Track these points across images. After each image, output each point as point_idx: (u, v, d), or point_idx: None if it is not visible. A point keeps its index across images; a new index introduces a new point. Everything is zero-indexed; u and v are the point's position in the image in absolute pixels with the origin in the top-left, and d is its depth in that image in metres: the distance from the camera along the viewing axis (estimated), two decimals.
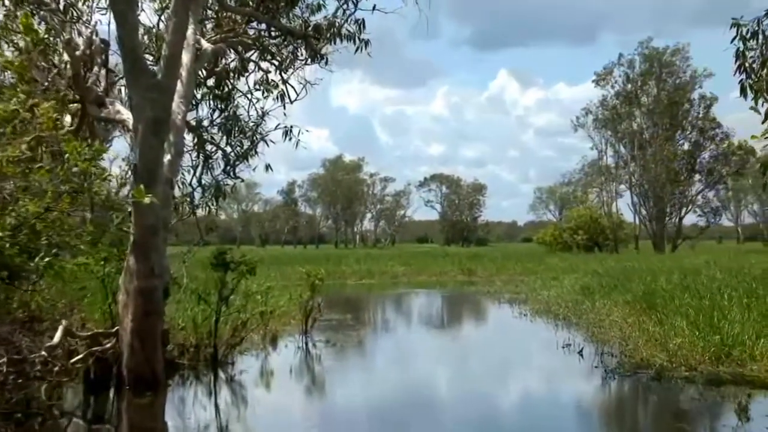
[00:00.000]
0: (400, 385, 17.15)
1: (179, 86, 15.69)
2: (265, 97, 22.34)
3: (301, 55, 21.64)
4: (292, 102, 22.09)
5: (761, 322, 17.56)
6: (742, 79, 13.99)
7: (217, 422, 13.78)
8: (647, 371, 15.66)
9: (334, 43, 20.71)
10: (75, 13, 18.76)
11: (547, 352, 19.70)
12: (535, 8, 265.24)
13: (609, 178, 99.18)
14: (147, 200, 10.95)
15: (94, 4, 19.45)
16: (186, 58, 16.14)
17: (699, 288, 24.49)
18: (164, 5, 19.90)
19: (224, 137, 22.16)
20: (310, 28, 20.65)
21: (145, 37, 20.27)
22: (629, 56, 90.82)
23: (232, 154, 22.16)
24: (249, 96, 22.40)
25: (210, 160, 22.11)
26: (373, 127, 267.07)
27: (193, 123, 21.44)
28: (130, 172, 16.20)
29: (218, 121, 22.19)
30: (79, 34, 18.20)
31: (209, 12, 20.99)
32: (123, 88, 19.06)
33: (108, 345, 14.81)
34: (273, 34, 21.53)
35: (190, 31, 16.20)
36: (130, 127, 15.32)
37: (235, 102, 22.30)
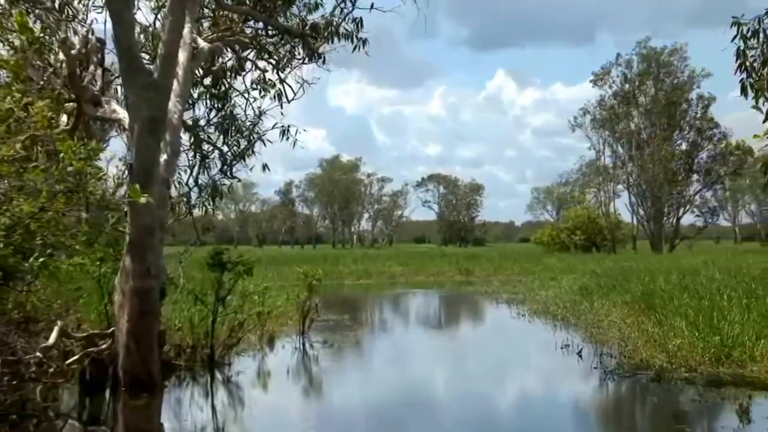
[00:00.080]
0: (398, 385, 17.07)
1: (176, 85, 15.62)
2: (262, 97, 22.23)
3: (299, 54, 21.55)
4: (289, 101, 22.01)
5: (761, 323, 17.47)
6: (742, 78, 13.89)
7: (214, 424, 13.68)
8: (647, 372, 15.59)
9: (332, 42, 20.62)
10: (71, 12, 18.67)
11: (546, 353, 19.64)
12: (532, 8, 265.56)
13: (607, 178, 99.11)
14: (143, 200, 10.83)
15: (90, 3, 19.34)
16: (182, 56, 16.04)
17: (698, 288, 24.44)
18: (160, 4, 19.82)
19: (221, 137, 22.03)
20: (307, 27, 20.58)
21: (142, 36, 20.12)
22: (627, 56, 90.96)
23: (229, 153, 22.02)
24: (246, 95, 22.29)
25: (207, 160, 21.99)
26: (370, 127, 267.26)
27: (190, 122, 21.33)
28: (126, 172, 16.08)
29: (215, 120, 22.04)
30: (75, 32, 18.13)
31: (206, 10, 20.92)
32: (119, 87, 18.94)
33: (104, 346, 14.72)
34: (270, 32, 21.44)
35: (186, 30, 16.10)
36: (126, 126, 15.26)
37: (232, 101, 22.16)
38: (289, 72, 21.93)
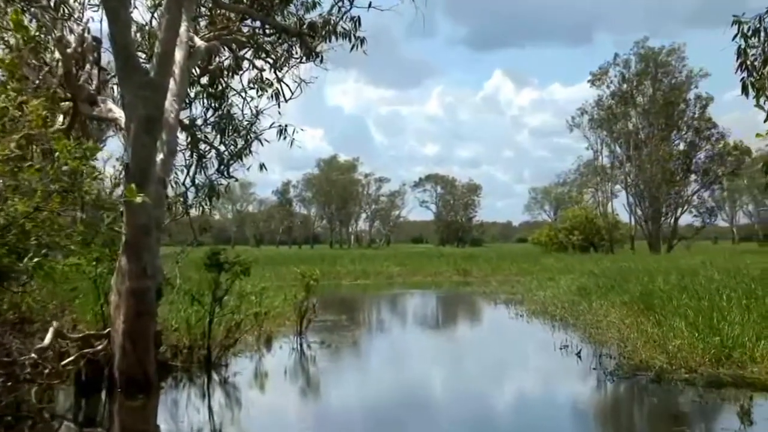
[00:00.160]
0: (396, 386, 17.00)
1: (172, 84, 15.56)
2: (259, 96, 22.16)
3: (296, 53, 21.50)
4: (286, 101, 21.93)
5: (761, 324, 17.37)
6: (743, 77, 13.85)
7: (211, 425, 13.62)
8: (647, 373, 15.50)
9: (330, 41, 20.57)
10: (66, 10, 18.56)
11: (545, 354, 19.56)
12: (530, 8, 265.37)
13: (604, 178, 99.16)
14: (139, 199, 10.74)
15: (86, 1, 19.23)
16: (179, 55, 15.98)
17: (697, 289, 24.35)
18: (157, 2, 19.73)
19: (218, 136, 21.95)
20: (305, 26, 20.51)
21: (138, 35, 20.07)
22: (625, 56, 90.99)
23: (226, 153, 21.93)
24: (243, 94, 22.24)
25: (203, 160, 21.90)
26: (367, 127, 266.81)
27: (187, 122, 21.25)
28: (123, 172, 15.98)
29: (212, 119, 21.99)
30: (71, 31, 17.99)
31: (203, 9, 20.84)
32: (115, 87, 18.83)
33: (99, 347, 14.63)
34: (267, 31, 21.38)
35: (183, 29, 16.04)
36: (123, 125, 15.15)
37: (229, 100, 22.10)
38: (287, 71, 21.90)
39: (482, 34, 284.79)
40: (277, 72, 21.83)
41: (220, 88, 21.72)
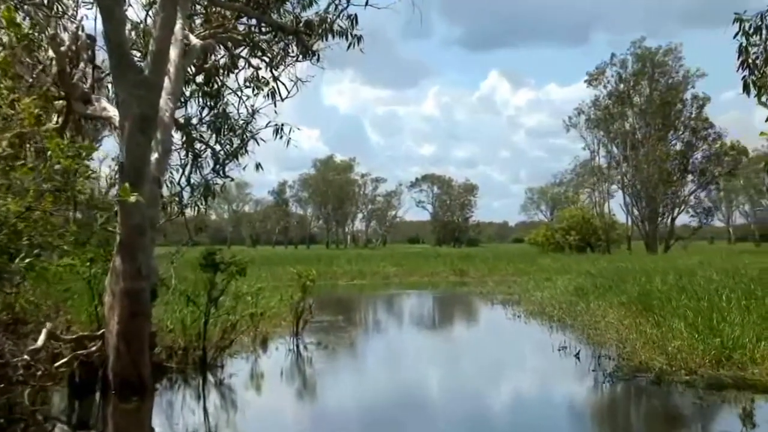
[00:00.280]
0: (393, 388, 16.88)
1: (167, 83, 15.41)
2: (255, 95, 21.99)
3: (293, 51, 21.35)
4: (282, 99, 21.76)
5: (761, 325, 17.26)
6: (744, 76, 13.71)
7: (206, 427, 13.52)
8: (646, 375, 15.38)
9: (326, 40, 20.41)
10: (60, 8, 18.39)
11: (543, 355, 19.44)
12: (527, 9, 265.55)
13: (601, 178, 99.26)
14: (133, 199, 10.58)
15: None
16: (174, 53, 15.83)
17: (696, 289, 24.25)
18: (152, 0, 19.54)
19: (213, 135, 21.81)
20: (301, 24, 20.35)
21: (133, 33, 19.91)
22: (622, 56, 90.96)
23: (222, 152, 21.80)
24: (239, 93, 22.08)
25: (199, 159, 21.77)
26: (364, 128, 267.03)
27: (182, 121, 21.10)
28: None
29: (207, 118, 21.83)
30: (65, 29, 17.92)
31: (198, 7, 20.71)
32: (110, 85, 18.71)
33: (93, 348, 14.50)
34: (263, 29, 21.22)
35: (178, 27, 15.89)
36: (117, 124, 15.00)
37: (225, 99, 21.93)
38: (283, 70, 21.74)
39: (478, 34, 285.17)
40: (274, 70, 21.67)
41: (215, 86, 21.59)
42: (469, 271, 55.03)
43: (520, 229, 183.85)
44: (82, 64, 17.43)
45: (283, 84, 21.80)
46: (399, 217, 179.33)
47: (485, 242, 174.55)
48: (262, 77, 21.83)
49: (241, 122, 21.98)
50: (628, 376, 15.59)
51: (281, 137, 21.32)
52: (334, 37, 20.22)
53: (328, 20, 20.13)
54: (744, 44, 13.72)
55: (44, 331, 13.28)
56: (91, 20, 18.25)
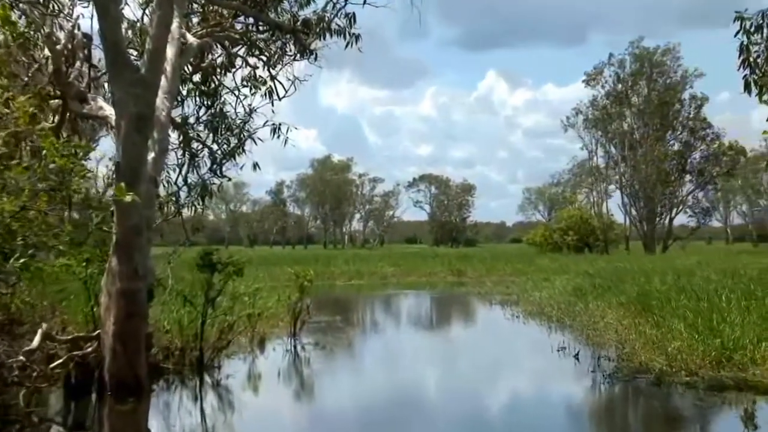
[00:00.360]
0: (391, 389, 16.82)
1: (163, 81, 15.35)
2: (252, 94, 21.83)
3: (290, 50, 21.23)
4: (280, 99, 21.64)
5: (762, 325, 17.17)
6: (745, 74, 13.63)
7: (203, 429, 13.47)
8: (646, 376, 15.28)
9: (324, 39, 20.28)
10: (56, 6, 18.26)
11: (542, 356, 19.34)
12: (524, 9, 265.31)
13: (599, 178, 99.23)
14: (128, 198, 10.47)
15: None
16: (170, 52, 15.76)
17: (695, 289, 24.14)
18: None
19: (210, 135, 21.71)
20: (299, 23, 20.24)
21: (129, 32, 19.77)
22: (620, 56, 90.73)
23: (219, 152, 21.70)
24: (236, 92, 21.94)
25: (196, 159, 21.64)
26: (361, 128, 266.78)
27: (179, 120, 20.99)
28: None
29: (204, 118, 21.74)
30: (61, 27, 17.82)
31: (195, 5, 20.60)
32: (107, 84, 18.59)
33: (89, 349, 14.41)
34: (261, 28, 21.11)
35: (175, 25, 15.82)
36: (113, 123, 14.90)
37: (222, 99, 21.82)
38: (280, 69, 21.63)
39: (475, 34, 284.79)
40: (271, 70, 21.56)
41: (212, 85, 21.47)
42: (466, 272, 55.01)
43: (517, 229, 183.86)
44: (78, 63, 17.35)
45: (281, 83, 21.71)
46: (396, 217, 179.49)
47: (483, 242, 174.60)
48: (260, 76, 21.71)
49: (239, 121, 21.87)
50: (628, 377, 15.50)
51: (278, 137, 21.26)
52: (331, 35, 20.10)
53: (326, 19, 20.01)
54: (745, 43, 13.64)
55: (40, 332, 13.23)
56: (87, 19, 18.06)
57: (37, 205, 11.32)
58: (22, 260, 11.51)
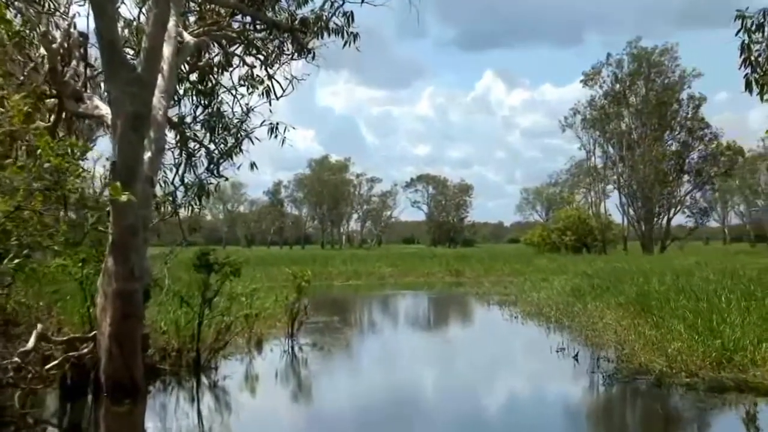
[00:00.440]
0: (389, 391, 16.71)
1: (160, 80, 15.25)
2: (249, 93, 21.77)
3: (288, 49, 21.16)
4: (278, 98, 21.57)
5: (762, 326, 17.10)
6: (747, 73, 13.53)
7: (200, 430, 13.39)
8: (646, 377, 15.21)
9: (322, 38, 20.19)
10: (52, 5, 18.17)
11: (541, 357, 19.26)
12: (521, 9, 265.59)
13: (597, 178, 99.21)
14: (124, 198, 10.40)
15: None
16: (167, 51, 15.68)
17: (694, 290, 24.07)
18: None
19: (207, 134, 21.60)
20: (296, 22, 20.15)
21: (126, 31, 19.71)
22: (618, 56, 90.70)
23: (216, 151, 21.60)
24: (233, 92, 21.88)
25: (193, 158, 21.55)
26: (359, 128, 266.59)
27: (175, 119, 20.89)
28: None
29: (201, 117, 21.65)
30: (57, 26, 17.72)
31: (192, 4, 20.52)
32: (103, 83, 18.50)
33: (85, 350, 14.32)
34: (258, 27, 21.01)
35: (171, 24, 15.73)
36: (109, 122, 14.79)
37: (219, 98, 21.74)
38: (278, 68, 21.55)
39: (473, 34, 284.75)
40: (268, 69, 21.48)
41: (209, 85, 21.40)
42: (464, 272, 54.96)
43: (515, 229, 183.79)
44: (74, 62, 17.30)
45: (278, 82, 21.65)
46: (394, 218, 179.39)
47: (480, 242, 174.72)
48: (257, 75, 21.66)
49: (236, 121, 21.78)
50: (628, 378, 15.42)
51: (276, 136, 21.18)
52: (329, 34, 20.02)
53: (324, 18, 19.94)
54: (746, 41, 13.55)
55: (35, 333, 13.14)
56: (84, 17, 18.03)
57: (32, 204, 11.23)
58: (16, 261, 11.41)
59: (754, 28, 13.39)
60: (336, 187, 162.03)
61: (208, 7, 20.42)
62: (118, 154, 13.65)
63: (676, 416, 13.42)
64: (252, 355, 19.88)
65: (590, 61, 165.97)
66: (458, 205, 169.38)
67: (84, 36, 17.52)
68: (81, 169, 12.76)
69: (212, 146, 21.64)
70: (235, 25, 20.91)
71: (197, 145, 21.69)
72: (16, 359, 12.38)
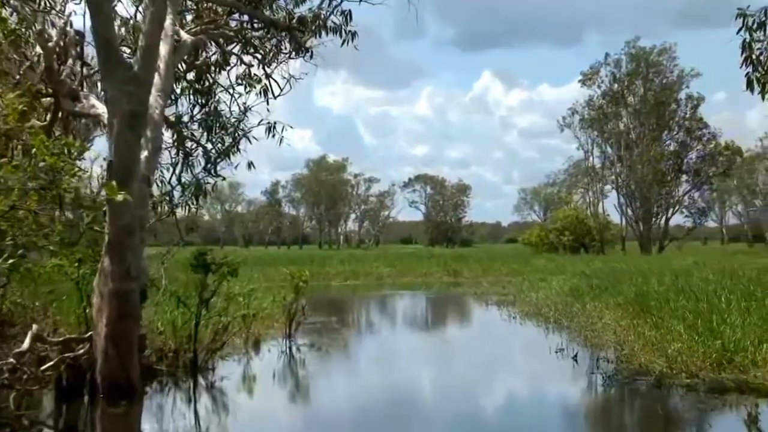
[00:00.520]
0: (387, 392, 16.64)
1: (157, 79, 15.13)
2: (247, 92, 21.72)
3: (285, 48, 21.12)
4: (275, 97, 21.50)
5: (762, 327, 17.01)
6: (748, 72, 13.44)
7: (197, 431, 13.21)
8: (647, 378, 15.11)
9: (320, 36, 20.14)
10: (48, 3, 18.13)
11: (540, 358, 19.17)
12: (519, 9, 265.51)
13: (595, 178, 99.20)
14: (120, 197, 10.28)
15: None
16: (164, 49, 15.56)
17: (694, 290, 23.99)
18: None
19: (205, 133, 21.55)
20: (294, 20, 20.07)
21: (123, 30, 19.63)
22: (616, 56, 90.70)
23: (213, 151, 21.53)
24: (231, 91, 21.82)
25: (190, 158, 21.50)
26: (357, 128, 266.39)
27: (172, 118, 20.83)
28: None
29: (198, 116, 21.59)
30: (53, 24, 17.69)
31: (189, 2, 20.47)
32: (99, 82, 18.42)
33: (81, 351, 14.22)
34: (256, 26, 20.95)
35: (168, 22, 15.62)
36: (105, 121, 14.73)
37: (216, 97, 21.70)
38: (276, 67, 21.50)
39: (471, 34, 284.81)
40: (266, 68, 21.43)
41: (206, 84, 21.34)
42: (462, 272, 54.92)
43: (513, 229, 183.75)
44: (70, 61, 17.25)
45: (276, 81, 21.60)
46: (392, 218, 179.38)
47: (478, 242, 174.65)
48: (255, 74, 21.60)
49: (233, 120, 21.72)
50: (627, 380, 15.32)
51: (274, 136, 21.11)
52: (327, 33, 19.98)
53: (322, 16, 19.88)
54: (747, 40, 13.45)
55: (30, 334, 13.02)
56: (80, 16, 18.01)
57: (27, 204, 11.11)
58: (11, 261, 11.30)
59: (755, 26, 13.32)
60: (334, 187, 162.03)
61: (206, 5, 20.38)
62: (115, 153, 13.57)
63: (676, 417, 13.34)
64: (249, 355, 19.80)
65: (588, 61, 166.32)
66: (456, 205, 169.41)
67: (80, 34, 17.48)
68: (77, 169, 12.61)
69: (209, 145, 21.59)
70: (233, 24, 20.88)
71: (194, 145, 21.64)
72: (12, 360, 12.24)
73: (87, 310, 15.19)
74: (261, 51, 21.37)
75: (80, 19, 19.10)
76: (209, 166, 21.56)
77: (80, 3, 17.73)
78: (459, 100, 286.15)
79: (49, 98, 16.74)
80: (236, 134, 21.61)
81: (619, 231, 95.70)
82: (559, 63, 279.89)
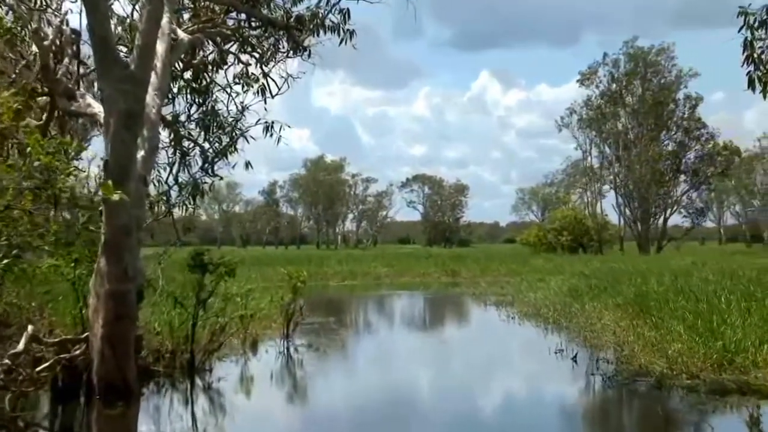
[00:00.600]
0: (385, 392, 16.59)
1: (154, 78, 15.07)
2: (245, 92, 21.60)
3: (283, 47, 21.03)
4: (273, 96, 21.40)
5: (763, 327, 16.91)
6: (749, 71, 13.35)
7: None
8: (647, 379, 15.03)
9: (318, 35, 20.05)
10: (44, 1, 18.03)
11: (539, 358, 19.07)
12: (517, 9, 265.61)
13: (593, 178, 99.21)
14: (116, 197, 10.20)
15: None
16: (161, 48, 15.49)
17: (693, 290, 23.90)
18: None
19: (202, 133, 21.45)
20: (292, 19, 19.99)
21: (118, 28, 19.53)
22: (614, 56, 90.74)
23: (211, 150, 21.43)
24: (228, 90, 21.70)
25: (187, 157, 21.38)
26: (354, 128, 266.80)
27: (169, 118, 20.73)
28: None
29: (195, 115, 21.48)
30: (48, 23, 17.58)
31: (186, 1, 20.40)
32: (96, 81, 18.33)
33: (77, 352, 14.14)
34: (253, 24, 20.86)
35: (165, 20, 15.55)
36: (102, 121, 14.60)
37: (214, 96, 21.56)
38: (273, 66, 21.40)
39: (469, 34, 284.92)
40: (264, 67, 21.34)
41: (204, 83, 21.22)
42: (461, 272, 54.92)
43: (511, 229, 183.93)
44: (66, 59, 17.18)
45: (273, 80, 21.49)
46: (390, 218, 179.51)
47: (476, 242, 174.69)
48: (252, 74, 21.49)
49: (231, 119, 21.60)
50: (627, 381, 15.23)
51: (271, 135, 21.01)
52: (325, 32, 19.88)
53: (320, 15, 19.79)
54: (749, 39, 13.36)
55: (26, 334, 12.90)
56: (76, 14, 17.89)
57: (22, 204, 11.03)
58: (6, 261, 11.21)
59: (757, 24, 13.23)
60: (331, 187, 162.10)
61: (203, 3, 20.31)
62: (111, 153, 13.46)
63: (677, 419, 13.26)
64: (247, 356, 19.73)
65: (586, 61, 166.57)
66: (454, 205, 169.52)
67: (76, 33, 17.35)
68: (72, 168, 12.53)
69: (207, 145, 21.48)
70: (230, 23, 20.77)
71: (191, 144, 21.53)
72: (7, 361, 12.17)
73: (83, 311, 15.09)
74: (258, 50, 21.27)
75: (76, 17, 18.90)
76: (206, 165, 21.46)
77: (76, 1, 17.65)
78: (457, 100, 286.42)
79: (44, 97, 16.66)
80: (233, 134, 21.50)
81: (617, 231, 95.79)
82: (557, 63, 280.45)
